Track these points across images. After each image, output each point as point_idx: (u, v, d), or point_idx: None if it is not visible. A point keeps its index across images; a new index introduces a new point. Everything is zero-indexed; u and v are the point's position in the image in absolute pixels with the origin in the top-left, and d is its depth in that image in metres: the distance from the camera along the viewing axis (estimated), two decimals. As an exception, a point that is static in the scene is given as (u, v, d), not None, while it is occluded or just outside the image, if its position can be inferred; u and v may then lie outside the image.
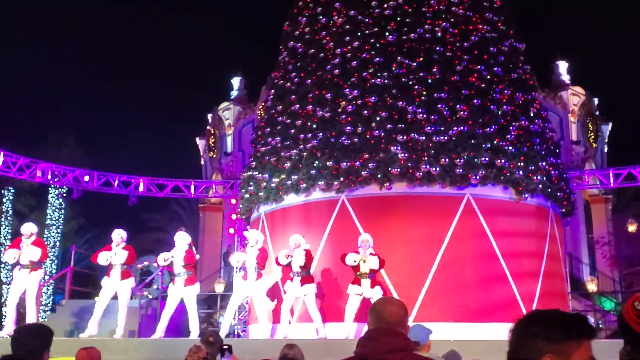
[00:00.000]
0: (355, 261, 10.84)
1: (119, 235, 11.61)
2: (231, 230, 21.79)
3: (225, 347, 4.18)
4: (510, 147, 12.45)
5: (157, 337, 11.04)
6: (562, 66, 27.63)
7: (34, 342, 3.48)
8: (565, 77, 27.39)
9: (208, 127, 30.09)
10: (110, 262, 11.39)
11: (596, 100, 28.18)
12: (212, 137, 29.48)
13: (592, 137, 27.05)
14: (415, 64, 12.91)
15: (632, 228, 22.85)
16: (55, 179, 19.62)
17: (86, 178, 19.78)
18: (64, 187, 22.87)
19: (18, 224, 30.44)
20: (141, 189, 20.56)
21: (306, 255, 11.26)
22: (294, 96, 13.88)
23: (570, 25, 41.69)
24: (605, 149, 29.21)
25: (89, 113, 49.35)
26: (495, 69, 13.38)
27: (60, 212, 29.09)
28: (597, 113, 28.02)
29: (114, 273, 11.38)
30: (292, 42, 14.93)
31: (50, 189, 27.85)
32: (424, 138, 12.08)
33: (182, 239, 11.68)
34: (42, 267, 11.67)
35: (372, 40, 13.36)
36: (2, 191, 29.60)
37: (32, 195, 31.63)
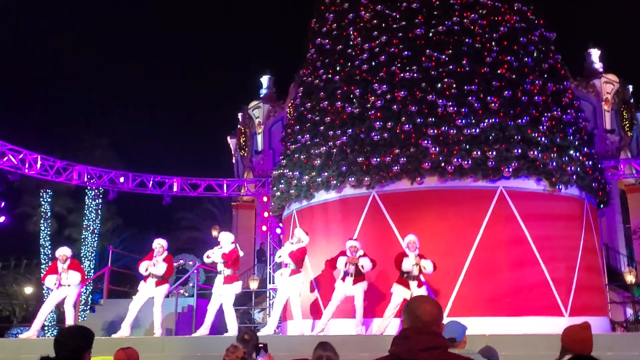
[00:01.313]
0: (412, 266, 10.70)
1: (159, 244, 11.78)
2: (264, 228, 21.94)
3: (260, 345, 4.19)
4: (542, 138, 12.28)
5: (202, 334, 11.16)
6: (594, 54, 27.06)
7: (76, 343, 3.56)
8: (598, 65, 26.82)
9: (238, 126, 30.28)
10: (150, 272, 11.59)
11: (630, 88, 27.58)
12: (243, 135, 29.66)
13: (627, 125, 26.45)
14: (444, 56, 12.83)
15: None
16: (92, 181, 19.98)
17: (121, 179, 20.12)
18: (100, 188, 23.28)
19: (57, 225, 31.29)
20: (175, 188, 20.84)
21: (371, 261, 11.27)
22: (322, 93, 13.90)
23: (601, 12, 40.90)
24: (642, 137, 28.60)
25: (121, 115, 50.04)
26: (526, 59, 13.22)
27: (97, 213, 29.67)
28: (631, 100, 27.41)
29: (150, 280, 11.57)
30: (319, 39, 14.95)
31: (86, 190, 28.41)
32: (454, 131, 11.99)
33: (226, 238, 11.80)
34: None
35: (400, 34, 13.30)
36: (41, 194, 30.33)
37: (70, 197, 32.36)
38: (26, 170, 18.64)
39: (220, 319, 11.63)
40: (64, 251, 12.11)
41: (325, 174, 12.84)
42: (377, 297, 11.86)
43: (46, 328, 27.40)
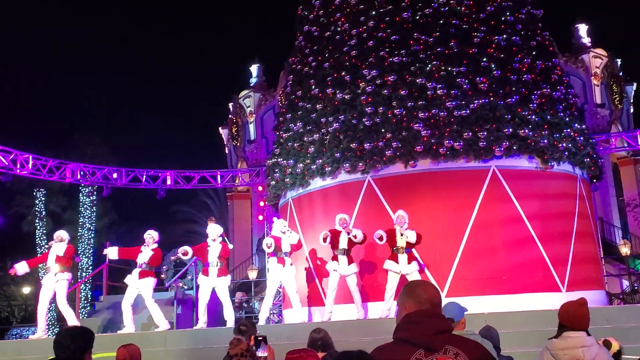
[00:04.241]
0: (397, 237, 10.84)
1: (150, 235, 11.78)
2: (260, 217, 21.98)
3: (260, 338, 4.18)
4: (533, 116, 12.34)
5: (200, 327, 11.21)
6: (582, 29, 27.09)
7: (76, 344, 3.57)
8: (586, 40, 26.86)
9: (230, 116, 30.25)
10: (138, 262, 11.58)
11: (619, 61, 27.66)
12: (235, 125, 29.65)
13: (617, 98, 26.57)
14: (432, 39, 12.82)
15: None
16: (85, 178, 19.95)
17: (114, 175, 20.10)
18: (94, 185, 23.25)
19: (52, 224, 31.22)
20: (169, 182, 20.84)
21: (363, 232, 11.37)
22: (312, 80, 13.90)
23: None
24: (631, 110, 28.72)
25: (111, 111, 49.84)
26: (514, 38, 13.21)
27: (92, 210, 29.61)
28: (620, 74, 27.50)
29: (135, 272, 11.56)
30: (307, 26, 14.90)
31: (80, 187, 28.32)
32: (445, 113, 12.03)
33: (214, 231, 11.72)
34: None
35: (387, 19, 13.28)
36: (34, 193, 30.24)
37: (64, 195, 32.28)
38: (18, 171, 18.59)
39: (218, 311, 11.67)
40: (61, 233, 11.90)
41: (320, 161, 12.88)
42: (374, 281, 11.95)
43: (47, 327, 27.46)
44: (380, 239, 10.90)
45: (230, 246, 12.04)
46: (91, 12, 56.77)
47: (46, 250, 11.89)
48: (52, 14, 51.57)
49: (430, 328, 2.50)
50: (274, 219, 12.62)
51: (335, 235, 11.31)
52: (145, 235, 11.83)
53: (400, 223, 10.95)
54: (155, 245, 11.79)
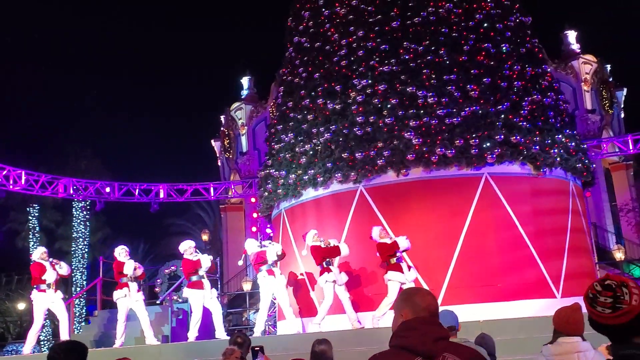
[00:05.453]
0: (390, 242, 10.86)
1: (125, 249, 11.86)
2: (253, 229, 21.95)
3: (257, 348, 4.18)
4: (524, 123, 12.38)
5: (192, 339, 11.15)
6: (571, 35, 27.28)
7: (69, 359, 3.56)
8: (575, 46, 27.06)
9: (222, 129, 30.26)
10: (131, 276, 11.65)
11: (608, 67, 27.83)
12: (227, 138, 29.65)
13: (607, 104, 26.71)
14: (421, 47, 12.87)
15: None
16: (78, 193, 19.89)
17: (107, 189, 20.05)
18: (87, 200, 23.19)
19: (46, 239, 31.05)
20: (162, 195, 20.82)
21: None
22: (303, 91, 13.92)
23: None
24: (622, 115, 28.89)
25: (103, 124, 49.75)
26: (503, 45, 13.28)
27: (85, 225, 29.49)
28: (610, 79, 27.67)
29: (132, 285, 11.58)
30: (297, 37, 14.95)
31: (74, 202, 28.22)
32: (436, 121, 12.06)
33: (182, 246, 11.86)
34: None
35: (377, 28, 13.33)
36: (28, 208, 30.07)
37: (57, 210, 32.11)
38: (11, 187, 18.53)
39: (210, 323, 11.63)
40: (42, 250, 11.92)
41: (312, 171, 12.88)
42: (367, 290, 11.93)
43: (42, 342, 27.22)
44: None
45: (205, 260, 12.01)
46: (83, 22, 56.81)
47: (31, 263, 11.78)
48: (42, 24, 51.56)
49: (430, 335, 2.49)
50: (247, 240, 12.74)
51: (317, 251, 11.34)
52: (121, 250, 11.87)
53: (385, 235, 11.01)
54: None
